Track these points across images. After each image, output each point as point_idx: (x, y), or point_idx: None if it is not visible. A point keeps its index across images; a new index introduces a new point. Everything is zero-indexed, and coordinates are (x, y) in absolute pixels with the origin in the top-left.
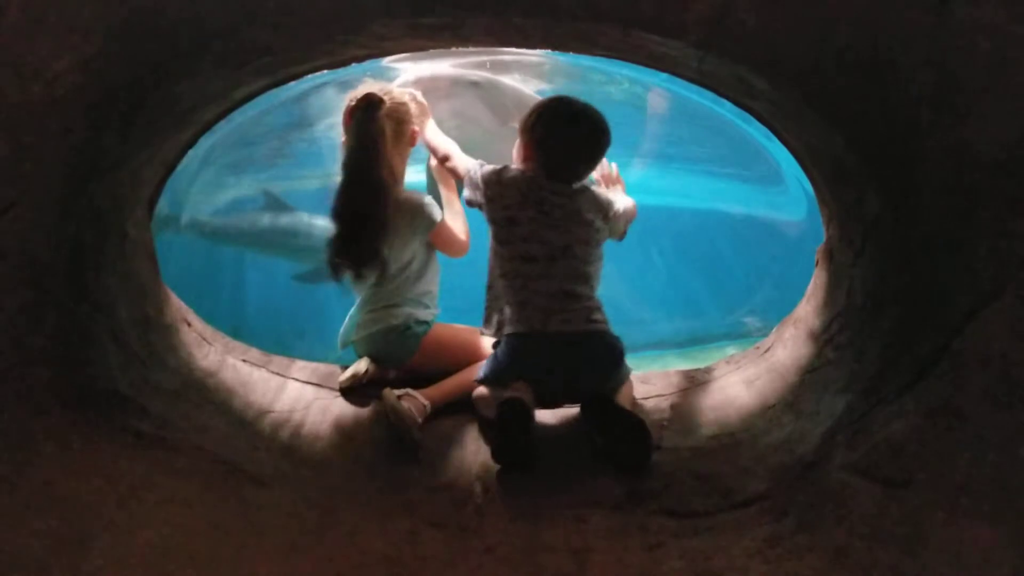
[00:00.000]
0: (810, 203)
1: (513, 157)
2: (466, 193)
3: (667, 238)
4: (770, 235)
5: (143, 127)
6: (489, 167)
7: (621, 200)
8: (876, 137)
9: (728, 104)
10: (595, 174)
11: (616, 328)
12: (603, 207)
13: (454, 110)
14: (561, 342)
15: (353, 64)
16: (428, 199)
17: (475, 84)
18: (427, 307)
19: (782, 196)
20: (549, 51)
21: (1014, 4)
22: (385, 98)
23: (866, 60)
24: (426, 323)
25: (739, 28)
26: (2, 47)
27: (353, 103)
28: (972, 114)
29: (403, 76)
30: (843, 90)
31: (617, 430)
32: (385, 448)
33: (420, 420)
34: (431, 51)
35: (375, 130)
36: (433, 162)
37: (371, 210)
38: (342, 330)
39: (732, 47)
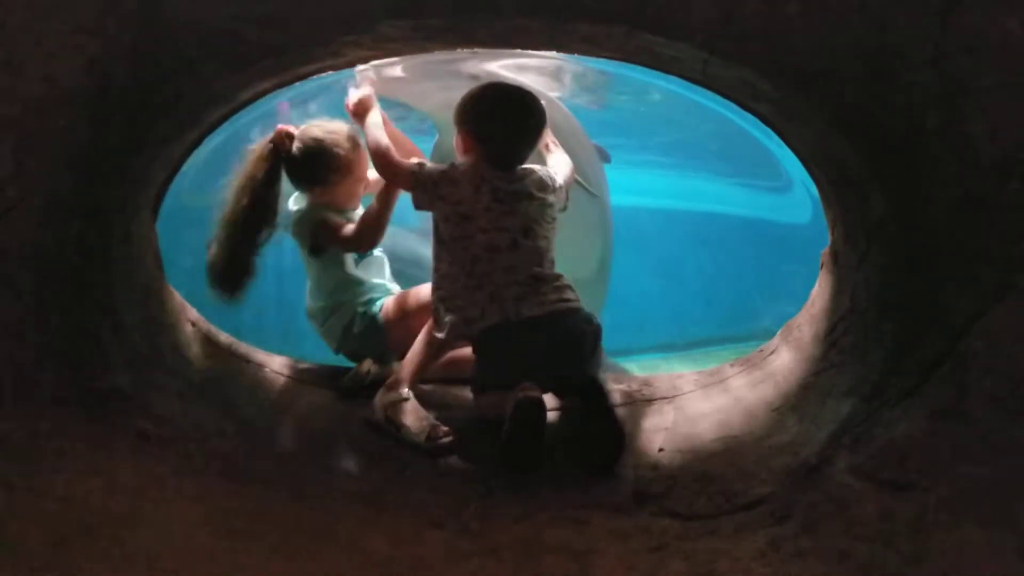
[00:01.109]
0: (815, 206)
1: (454, 149)
2: (414, 196)
3: (672, 241)
4: (774, 238)
5: (148, 127)
6: (433, 165)
7: (561, 168)
8: (881, 140)
9: (733, 107)
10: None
11: (620, 332)
12: (549, 183)
13: (446, 102)
14: (536, 326)
15: (359, 66)
16: (307, 216)
17: (474, 77)
18: (359, 292)
19: (787, 199)
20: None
21: (1021, 6)
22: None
23: (872, 63)
24: (368, 302)
25: (744, 30)
26: (8, 46)
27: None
28: (978, 116)
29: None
30: (848, 93)
31: (592, 429)
32: (388, 450)
33: (432, 421)
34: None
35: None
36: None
37: (235, 247)
38: (327, 342)
39: (737, 49)
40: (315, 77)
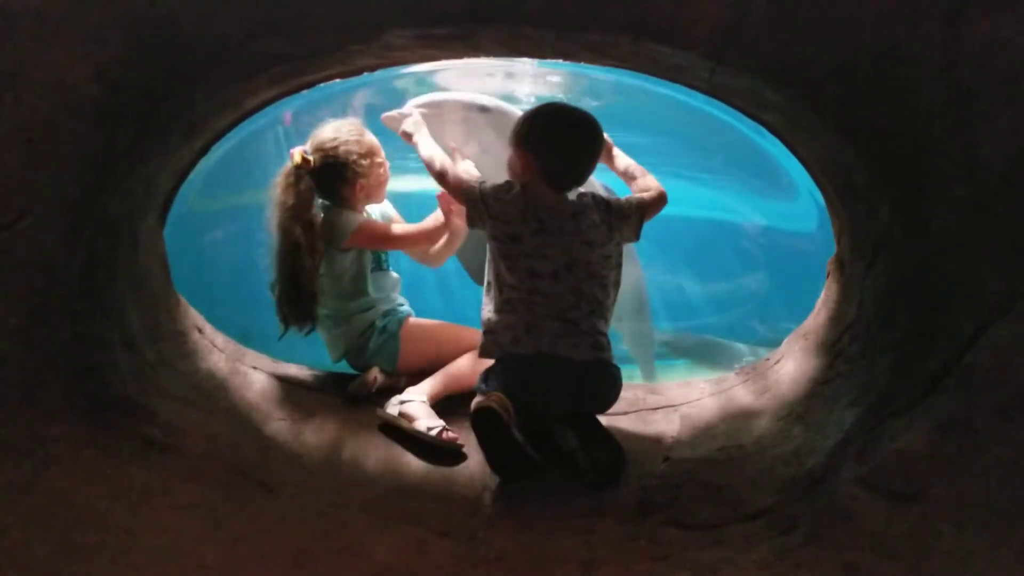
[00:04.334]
0: (821, 214)
1: (507, 170)
2: (468, 211)
3: (677, 248)
4: (781, 246)
5: (156, 135)
6: (491, 184)
7: (640, 197)
8: (887, 149)
9: (739, 115)
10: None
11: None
12: (603, 224)
13: (463, 134)
14: (568, 367)
15: (365, 73)
16: (344, 217)
17: (484, 109)
18: (373, 303)
19: (793, 207)
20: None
21: None
22: (314, 157)
23: (878, 72)
24: (390, 313)
25: (750, 39)
26: (17, 55)
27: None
28: (985, 126)
29: (410, 102)
30: (855, 102)
31: (595, 448)
32: (394, 457)
33: (444, 425)
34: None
35: (296, 195)
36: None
37: (297, 276)
38: (328, 348)
39: (743, 58)
40: (322, 85)
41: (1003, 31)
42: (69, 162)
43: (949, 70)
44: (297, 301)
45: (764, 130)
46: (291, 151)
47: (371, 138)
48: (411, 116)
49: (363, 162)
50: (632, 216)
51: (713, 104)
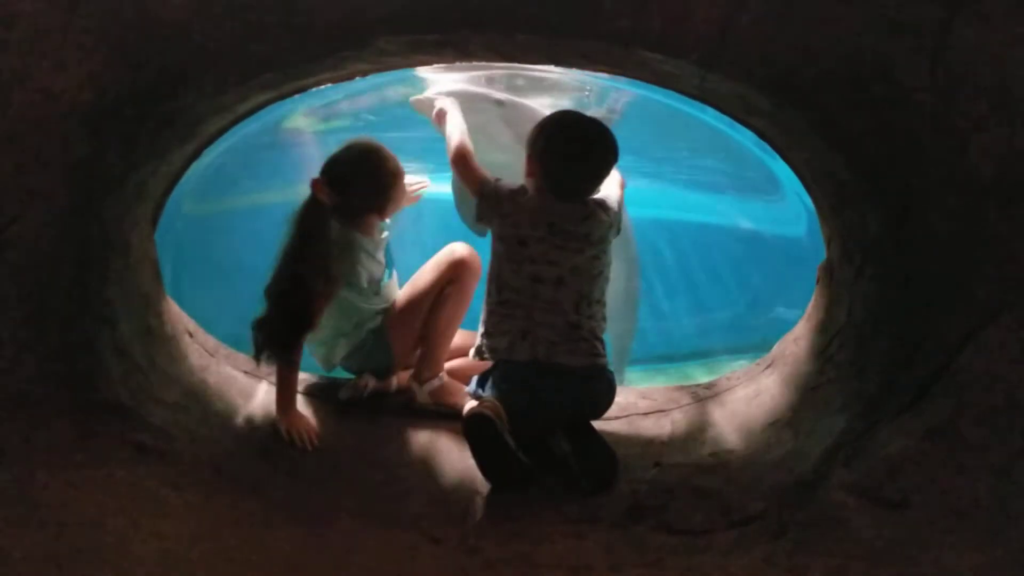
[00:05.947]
0: (811, 219)
1: (524, 173)
2: (478, 204)
3: (668, 252)
4: (771, 250)
5: (147, 141)
6: (506, 184)
7: (613, 191)
8: (876, 157)
9: (730, 120)
10: None
11: None
12: (609, 224)
13: (475, 126)
14: (564, 375)
15: (358, 79)
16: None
17: (499, 103)
18: (365, 303)
19: (783, 211)
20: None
21: (1015, 27)
22: (335, 190)
23: (867, 80)
24: (382, 312)
25: (741, 48)
26: (9, 62)
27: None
28: (973, 136)
29: (430, 89)
30: (844, 110)
31: (588, 454)
32: (385, 462)
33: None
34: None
35: (316, 230)
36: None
37: (290, 308)
38: (321, 356)
39: (734, 66)
40: (314, 89)
41: (991, 40)
42: (60, 168)
43: (938, 80)
44: (284, 333)
45: (754, 135)
46: (312, 182)
47: (395, 163)
48: (446, 99)
49: (391, 192)
50: (619, 212)
51: (704, 109)
